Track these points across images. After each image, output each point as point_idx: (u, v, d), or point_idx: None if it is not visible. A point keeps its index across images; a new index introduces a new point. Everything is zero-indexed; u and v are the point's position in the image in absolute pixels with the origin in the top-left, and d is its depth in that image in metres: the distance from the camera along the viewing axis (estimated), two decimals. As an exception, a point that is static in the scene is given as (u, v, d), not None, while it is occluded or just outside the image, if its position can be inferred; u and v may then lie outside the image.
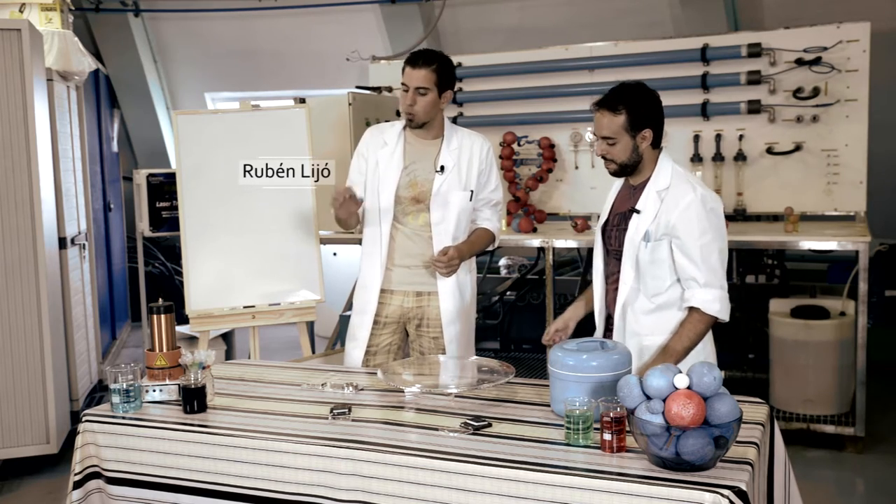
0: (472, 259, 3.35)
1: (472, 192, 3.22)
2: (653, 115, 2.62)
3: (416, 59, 3.10)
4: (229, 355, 5.67)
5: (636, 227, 2.63)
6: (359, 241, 5.03)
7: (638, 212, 2.63)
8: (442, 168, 3.16)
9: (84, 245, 5.23)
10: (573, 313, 2.86)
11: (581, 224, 4.85)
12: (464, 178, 3.19)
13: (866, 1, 5.35)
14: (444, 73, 3.12)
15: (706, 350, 2.70)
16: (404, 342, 3.35)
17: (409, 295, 3.24)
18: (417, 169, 3.19)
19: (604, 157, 2.66)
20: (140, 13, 7.70)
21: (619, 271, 2.69)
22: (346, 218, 3.18)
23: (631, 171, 2.67)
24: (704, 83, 5.07)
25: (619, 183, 2.81)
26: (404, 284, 3.24)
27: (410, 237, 3.21)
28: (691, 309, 2.60)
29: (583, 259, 5.72)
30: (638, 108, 2.59)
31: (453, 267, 3.15)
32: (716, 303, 2.56)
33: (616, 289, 2.71)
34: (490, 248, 3.41)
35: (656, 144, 2.65)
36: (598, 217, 2.89)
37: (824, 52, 4.76)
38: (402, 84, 3.11)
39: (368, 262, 3.27)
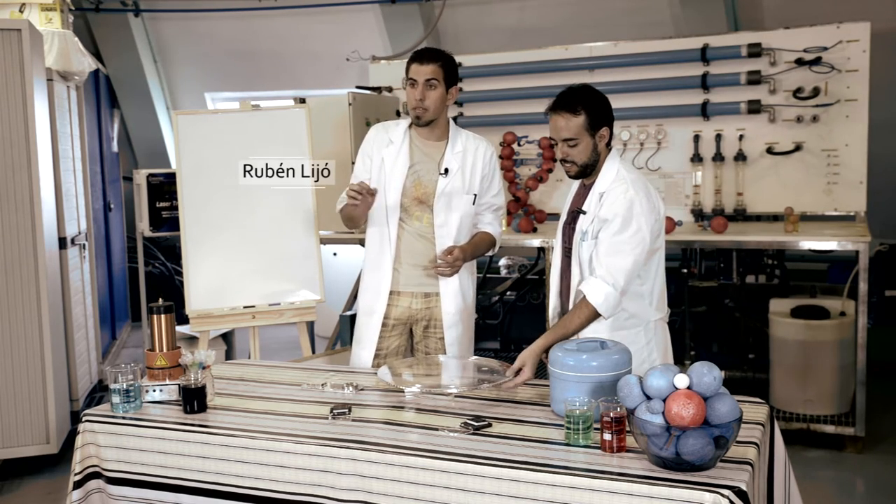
0: (473, 261, 3.35)
1: (475, 195, 3.22)
2: (608, 113, 2.68)
3: (421, 55, 3.11)
4: (229, 355, 5.67)
5: (580, 226, 2.70)
6: (359, 241, 5.06)
7: (584, 212, 2.70)
8: (446, 170, 3.16)
9: (84, 245, 5.22)
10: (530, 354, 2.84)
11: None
12: (467, 181, 3.19)
13: (866, 1, 5.35)
14: (450, 69, 3.14)
15: (649, 348, 2.70)
16: (410, 344, 3.34)
17: (417, 296, 3.24)
18: (422, 170, 3.19)
19: (563, 161, 2.70)
20: (140, 13, 7.69)
21: (570, 268, 2.76)
22: (360, 215, 3.16)
23: (590, 171, 2.71)
24: (704, 83, 5.07)
25: (577, 182, 2.85)
26: (412, 286, 3.23)
27: (415, 237, 3.21)
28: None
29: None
30: (595, 107, 2.65)
31: (457, 267, 3.15)
32: (599, 295, 2.59)
33: (568, 286, 2.77)
34: (490, 254, 3.42)
35: (609, 142, 2.71)
36: None
37: (824, 52, 4.76)
38: (410, 80, 3.10)
39: (376, 263, 3.25)
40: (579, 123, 2.63)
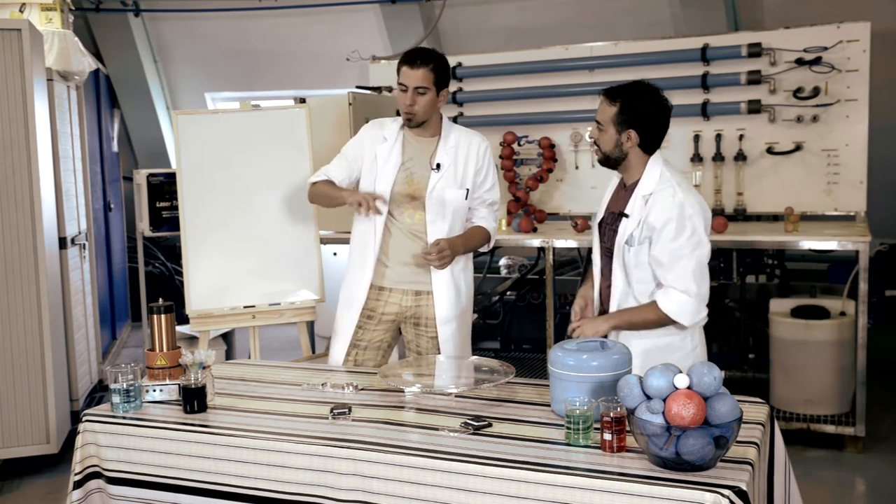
0: (469, 257, 3.34)
1: (467, 190, 3.21)
2: (645, 119, 2.63)
3: (413, 59, 3.09)
4: (229, 355, 5.67)
5: (624, 230, 2.67)
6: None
7: (627, 216, 2.66)
8: (438, 166, 3.16)
9: (84, 245, 5.23)
10: (588, 293, 2.85)
11: (581, 224, 4.84)
12: (460, 176, 3.19)
13: (866, 1, 5.35)
14: (442, 72, 3.12)
15: (695, 353, 2.70)
16: (395, 340, 3.34)
17: (407, 294, 3.23)
18: (414, 166, 3.19)
19: (594, 142, 2.74)
20: (140, 13, 7.69)
21: (609, 268, 2.74)
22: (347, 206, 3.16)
23: (614, 164, 2.72)
24: (704, 83, 5.08)
25: (616, 180, 2.84)
26: (403, 283, 3.23)
27: (406, 234, 3.20)
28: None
29: (583, 259, 5.72)
30: (631, 107, 2.62)
31: (446, 259, 3.10)
32: (673, 304, 2.58)
33: (609, 286, 2.75)
34: (485, 249, 3.39)
35: (647, 149, 2.66)
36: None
37: (824, 52, 4.76)
38: (400, 84, 3.11)
39: (360, 259, 3.25)
40: (610, 113, 2.64)
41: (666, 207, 2.58)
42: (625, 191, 2.74)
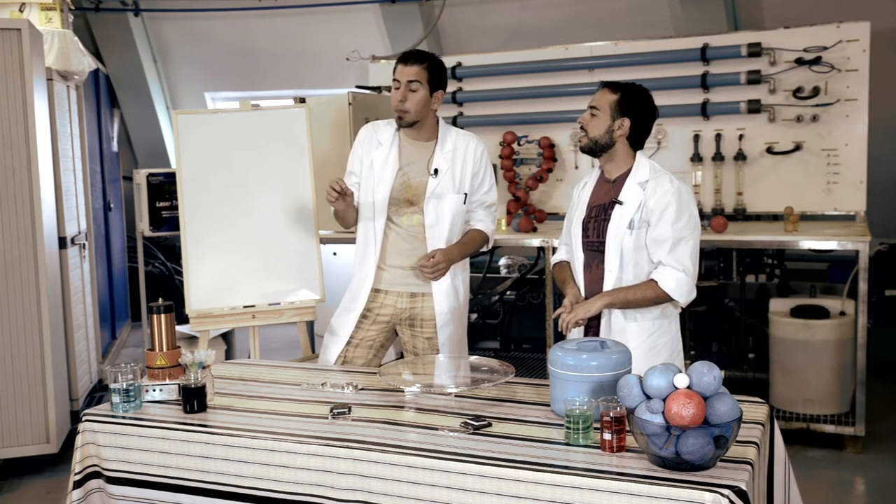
0: (466, 259, 3.34)
1: (465, 194, 3.21)
2: (640, 112, 2.77)
3: (407, 57, 3.12)
4: (229, 355, 5.67)
5: (619, 216, 2.75)
6: (358, 241, 5.05)
7: (620, 203, 2.75)
8: (436, 171, 3.16)
9: (84, 245, 5.22)
10: (575, 291, 2.88)
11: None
12: (457, 180, 3.19)
13: (866, 1, 5.35)
14: (436, 72, 3.12)
15: (677, 337, 2.82)
16: (389, 341, 3.34)
17: (402, 296, 3.24)
18: (412, 171, 3.18)
19: (582, 128, 2.81)
20: (140, 13, 7.69)
21: (596, 262, 2.80)
22: (343, 211, 3.18)
23: (599, 152, 2.80)
24: (704, 83, 5.08)
25: (588, 179, 2.93)
26: (398, 285, 3.23)
27: (404, 237, 3.20)
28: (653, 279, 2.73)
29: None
30: (631, 98, 2.77)
31: (440, 271, 3.15)
32: (671, 281, 2.68)
33: (594, 280, 2.81)
34: (484, 250, 3.41)
35: (633, 143, 2.79)
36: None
37: (824, 52, 4.76)
38: (394, 81, 3.12)
39: (360, 263, 3.27)
40: (609, 99, 2.75)
41: (666, 192, 2.71)
42: (610, 184, 2.82)
